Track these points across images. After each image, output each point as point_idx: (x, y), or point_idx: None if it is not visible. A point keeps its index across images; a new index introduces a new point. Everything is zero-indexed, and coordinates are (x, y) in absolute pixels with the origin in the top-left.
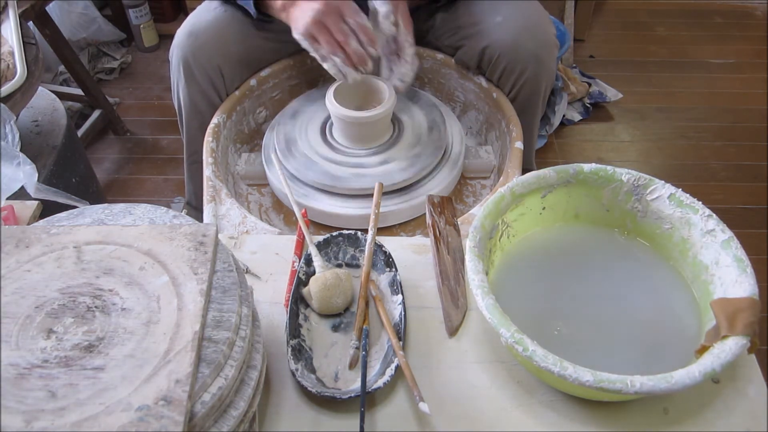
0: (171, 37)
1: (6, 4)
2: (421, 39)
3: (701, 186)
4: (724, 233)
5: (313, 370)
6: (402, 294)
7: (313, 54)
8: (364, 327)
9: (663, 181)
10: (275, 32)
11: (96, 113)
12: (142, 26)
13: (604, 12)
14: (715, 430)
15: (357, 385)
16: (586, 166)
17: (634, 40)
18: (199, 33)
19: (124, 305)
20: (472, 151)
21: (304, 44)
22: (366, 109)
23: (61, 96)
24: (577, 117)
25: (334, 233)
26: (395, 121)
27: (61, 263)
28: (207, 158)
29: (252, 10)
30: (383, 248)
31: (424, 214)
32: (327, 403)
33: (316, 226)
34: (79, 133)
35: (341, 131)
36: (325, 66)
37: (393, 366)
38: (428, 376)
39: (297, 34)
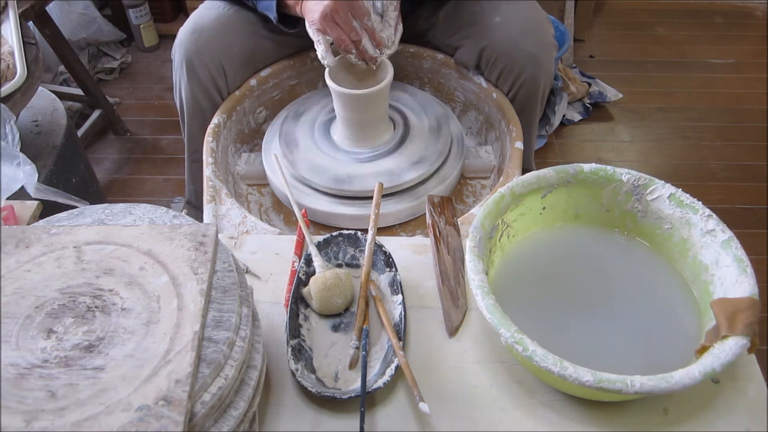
0: (171, 37)
1: (6, 4)
2: (421, 38)
3: (701, 186)
4: (724, 233)
5: (313, 370)
6: (402, 294)
7: (317, 41)
8: (364, 327)
9: (663, 181)
10: (278, 32)
11: (96, 113)
12: (142, 26)
13: (604, 12)
14: (715, 430)
15: (357, 385)
16: (586, 166)
17: (634, 40)
18: (203, 31)
19: (124, 305)
20: (472, 151)
21: (313, 36)
22: None
23: (61, 96)
24: (577, 117)
25: (334, 233)
26: (396, 121)
27: (61, 263)
28: (207, 158)
29: (273, 13)
30: (383, 248)
31: (424, 214)
32: (327, 403)
33: (316, 226)
34: (79, 133)
35: (341, 127)
36: (317, 47)
37: (393, 366)
38: (428, 376)
39: (309, 28)
